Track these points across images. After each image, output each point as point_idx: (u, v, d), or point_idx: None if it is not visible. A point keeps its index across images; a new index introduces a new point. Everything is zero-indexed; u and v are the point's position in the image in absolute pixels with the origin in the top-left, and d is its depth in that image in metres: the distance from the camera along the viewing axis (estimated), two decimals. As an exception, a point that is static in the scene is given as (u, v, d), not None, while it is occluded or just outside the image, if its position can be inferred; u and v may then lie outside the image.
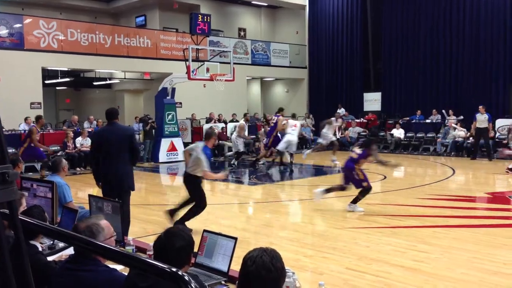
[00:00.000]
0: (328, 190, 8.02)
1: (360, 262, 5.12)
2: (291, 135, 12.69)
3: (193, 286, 1.02)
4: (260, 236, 6.40)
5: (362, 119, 19.63)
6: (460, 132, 15.92)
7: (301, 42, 22.88)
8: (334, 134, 15.22)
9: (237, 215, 8.24)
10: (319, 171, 13.83)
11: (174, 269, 1.07)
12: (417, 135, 17.18)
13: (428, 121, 17.62)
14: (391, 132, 17.75)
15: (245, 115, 17.17)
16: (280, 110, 13.53)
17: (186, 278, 1.04)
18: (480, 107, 14.19)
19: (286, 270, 2.67)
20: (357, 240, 6.05)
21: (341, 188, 7.88)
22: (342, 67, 21.29)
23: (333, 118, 14.69)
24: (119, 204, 3.77)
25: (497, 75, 17.08)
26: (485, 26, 17.24)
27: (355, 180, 7.67)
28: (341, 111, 19.68)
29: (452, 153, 15.68)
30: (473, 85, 17.45)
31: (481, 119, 14.09)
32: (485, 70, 17.29)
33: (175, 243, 2.19)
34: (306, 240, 6.17)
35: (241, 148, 14.50)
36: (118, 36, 16.83)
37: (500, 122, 15.54)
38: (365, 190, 7.70)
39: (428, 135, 17.02)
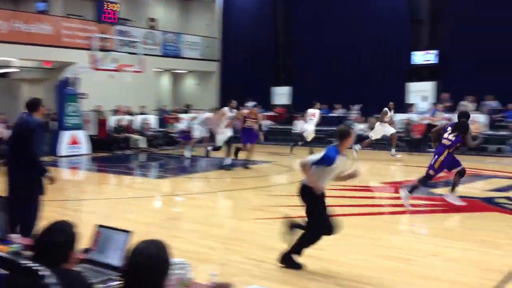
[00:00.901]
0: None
1: (261, 252, 5.25)
2: (308, 124, 13.47)
3: (48, 281, 0.99)
4: (164, 230, 6.33)
5: (271, 112, 20.06)
6: (362, 125, 16.80)
7: (212, 34, 22.84)
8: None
9: (142, 209, 8.08)
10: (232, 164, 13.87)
11: (30, 264, 1.04)
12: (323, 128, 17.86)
13: (333, 115, 18.37)
14: (295, 125, 18.29)
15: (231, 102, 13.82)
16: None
17: (41, 273, 1.01)
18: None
19: (180, 262, 2.68)
20: (261, 231, 6.19)
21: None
22: (254, 61, 21.55)
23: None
24: (5, 200, 3.55)
25: (398, 72, 18.29)
26: (387, 23, 18.34)
27: (430, 164, 7.44)
28: (251, 104, 19.97)
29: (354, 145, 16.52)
30: (375, 81, 18.44)
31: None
32: (385, 66, 18.38)
33: (55, 238, 2.11)
34: (211, 232, 6.20)
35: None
36: (17, 22, 15.74)
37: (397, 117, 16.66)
38: (425, 177, 7.51)
39: (332, 128, 17.76)
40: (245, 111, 12.54)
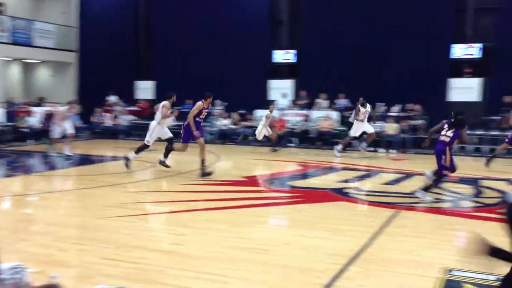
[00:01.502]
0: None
1: (118, 251, 5.06)
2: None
3: None
4: (8, 232, 5.79)
5: (134, 107, 19.48)
6: (225, 121, 17.12)
7: (69, 23, 21.44)
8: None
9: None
10: (86, 160, 13.18)
11: None
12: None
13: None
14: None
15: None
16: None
17: None
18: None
19: (15, 267, 2.45)
20: (119, 229, 5.96)
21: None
22: (115, 53, 20.68)
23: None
24: None
25: (260, 69, 18.95)
26: (249, 22, 18.87)
27: (440, 165, 7.69)
28: (113, 98, 19.20)
29: (219, 141, 16.82)
30: (239, 78, 18.86)
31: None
32: (248, 64, 18.90)
33: None
34: (64, 233, 5.81)
35: None
36: None
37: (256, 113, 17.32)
38: (440, 177, 7.85)
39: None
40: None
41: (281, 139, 16.29)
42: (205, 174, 9.83)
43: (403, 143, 15.79)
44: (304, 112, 17.50)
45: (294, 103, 18.26)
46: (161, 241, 5.57)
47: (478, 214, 7.23)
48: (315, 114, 17.35)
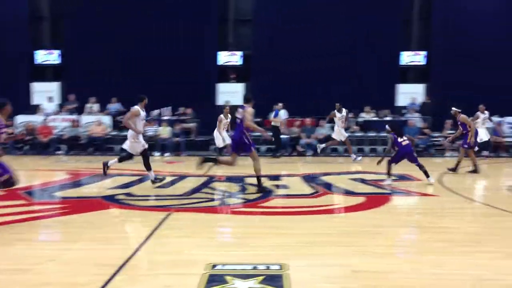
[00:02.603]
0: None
1: None
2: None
3: None
4: None
5: None
6: None
7: None
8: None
9: None
10: None
11: None
12: None
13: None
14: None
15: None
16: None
17: None
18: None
19: None
20: None
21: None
22: None
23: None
24: None
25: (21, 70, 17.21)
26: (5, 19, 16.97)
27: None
28: None
29: None
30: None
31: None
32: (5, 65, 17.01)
33: None
34: None
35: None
36: None
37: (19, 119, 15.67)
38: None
39: None
40: None
41: (48, 147, 15.08)
42: None
43: (177, 146, 16.21)
44: (73, 117, 16.53)
45: (62, 108, 17.10)
46: None
47: (243, 209, 7.82)
48: (85, 119, 16.54)
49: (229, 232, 6.43)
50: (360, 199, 8.44)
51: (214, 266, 4.71)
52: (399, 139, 10.13)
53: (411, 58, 19.11)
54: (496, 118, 16.79)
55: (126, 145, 9.75)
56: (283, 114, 16.44)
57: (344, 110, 14.37)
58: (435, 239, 6.01)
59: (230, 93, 18.89)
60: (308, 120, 16.84)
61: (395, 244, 5.80)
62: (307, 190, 9.57)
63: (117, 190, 9.36)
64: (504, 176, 10.99)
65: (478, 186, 10.83)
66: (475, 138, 11.53)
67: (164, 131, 16.24)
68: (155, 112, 17.17)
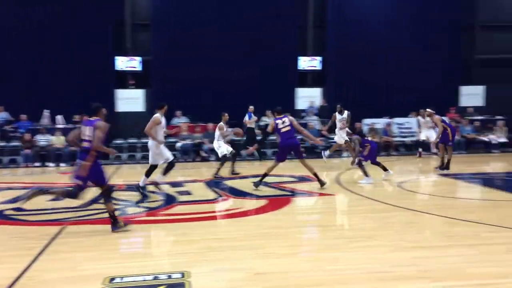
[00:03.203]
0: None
1: None
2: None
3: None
4: None
5: None
6: None
7: None
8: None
9: None
10: None
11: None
12: None
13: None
14: None
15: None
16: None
17: None
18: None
19: None
20: None
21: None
22: None
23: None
24: None
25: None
26: None
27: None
28: None
29: None
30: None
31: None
32: None
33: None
34: None
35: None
36: None
37: None
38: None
39: None
40: None
41: None
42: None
43: (72, 155, 15.42)
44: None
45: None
46: None
47: (145, 218, 7.60)
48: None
49: (129, 242, 6.22)
50: (263, 202, 8.58)
51: (112, 279, 4.52)
52: (366, 138, 11.16)
53: (308, 63, 19.87)
54: (385, 120, 17.96)
55: (150, 158, 9.31)
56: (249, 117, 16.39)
57: (346, 112, 13.90)
58: (332, 236, 6.27)
59: (129, 99, 18.38)
60: (210, 126, 16.83)
61: (295, 244, 5.96)
62: (211, 195, 9.55)
63: (6, 205, 8.67)
64: (395, 173, 11.78)
65: (371, 184, 11.50)
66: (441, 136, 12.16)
67: (58, 140, 15.37)
68: (45, 114, 16.30)
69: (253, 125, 16.41)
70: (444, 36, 19.63)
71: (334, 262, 5.08)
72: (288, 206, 8.38)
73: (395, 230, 6.46)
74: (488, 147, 17.56)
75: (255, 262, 5.07)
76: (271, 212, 7.78)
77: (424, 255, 5.20)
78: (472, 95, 19.80)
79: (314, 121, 17.92)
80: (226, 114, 12.39)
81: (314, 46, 20.13)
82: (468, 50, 20.20)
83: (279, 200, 8.89)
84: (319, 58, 19.98)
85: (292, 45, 19.44)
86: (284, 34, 19.17)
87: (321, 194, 9.45)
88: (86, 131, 6.40)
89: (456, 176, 11.55)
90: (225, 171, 12.09)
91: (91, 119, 6.49)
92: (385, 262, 5.07)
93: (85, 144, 6.39)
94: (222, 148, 12.09)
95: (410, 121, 17.93)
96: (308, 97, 19.53)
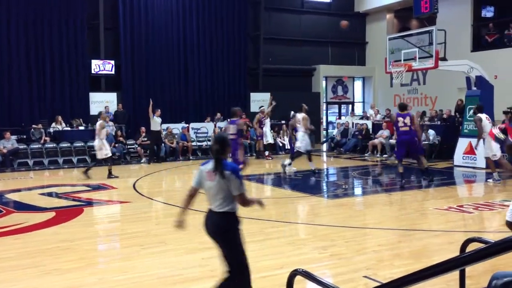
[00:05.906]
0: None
1: None
2: None
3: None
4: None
5: None
6: None
7: None
8: None
9: None
10: None
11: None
12: None
13: None
14: None
15: None
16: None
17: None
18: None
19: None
20: None
21: None
22: None
23: None
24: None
25: None
26: None
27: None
28: None
29: None
30: None
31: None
32: None
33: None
34: None
35: None
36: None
37: None
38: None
39: None
40: None
41: None
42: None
43: None
44: None
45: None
46: None
47: None
48: None
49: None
50: (50, 215, 7.90)
51: None
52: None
53: (101, 67, 18.95)
54: (182, 125, 18.21)
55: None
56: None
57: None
58: (125, 245, 6.09)
59: (103, 102, 18.55)
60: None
61: (83, 257, 5.58)
62: (-13, 211, 8.42)
63: None
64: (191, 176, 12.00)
65: (167, 189, 11.56)
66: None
67: None
68: None
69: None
70: (234, 45, 20.93)
71: (124, 271, 4.92)
72: (79, 217, 7.86)
73: (187, 232, 6.55)
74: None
75: (34, 282, 4.60)
76: (59, 225, 7.21)
77: (213, 255, 5.37)
78: (260, 102, 21.34)
79: (111, 127, 17.22)
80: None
81: (107, 50, 19.32)
82: (256, 60, 21.89)
83: (70, 211, 8.30)
84: (112, 62, 19.10)
85: (84, 48, 18.56)
86: (76, 37, 18.38)
87: (117, 202, 9.14)
88: None
89: (249, 178, 12.33)
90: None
91: None
92: (177, 265, 5.10)
93: None
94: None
95: (206, 126, 18.50)
96: (104, 102, 18.81)
